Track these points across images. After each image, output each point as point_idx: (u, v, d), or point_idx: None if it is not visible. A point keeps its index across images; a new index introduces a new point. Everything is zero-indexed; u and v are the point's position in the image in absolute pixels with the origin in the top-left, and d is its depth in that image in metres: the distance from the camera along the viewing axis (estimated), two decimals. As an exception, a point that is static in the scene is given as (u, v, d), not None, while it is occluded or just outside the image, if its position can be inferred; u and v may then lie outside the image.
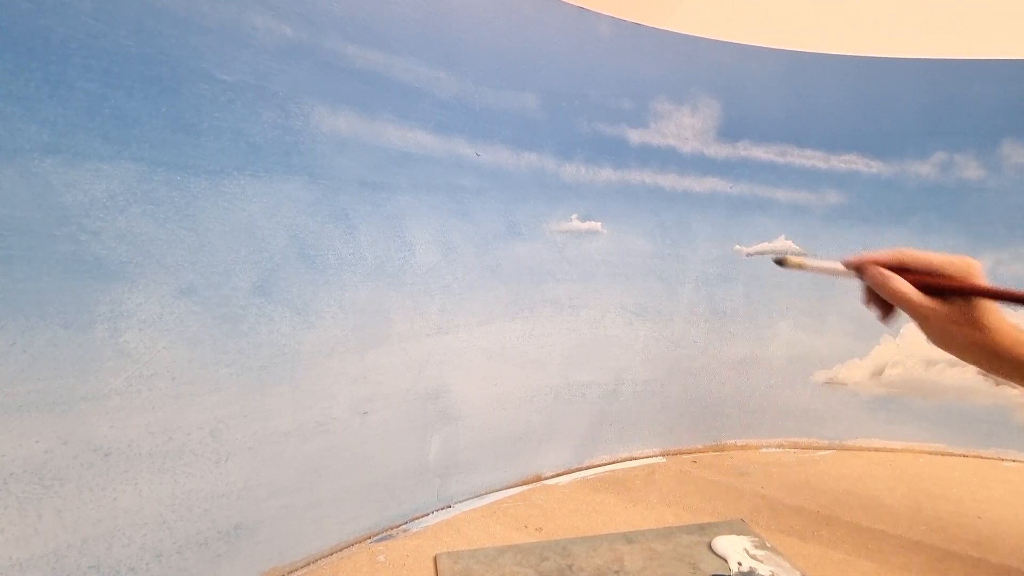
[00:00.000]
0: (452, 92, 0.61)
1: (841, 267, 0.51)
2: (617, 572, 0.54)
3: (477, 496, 0.68)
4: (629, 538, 0.60)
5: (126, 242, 0.39)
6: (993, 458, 0.85)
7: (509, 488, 0.71)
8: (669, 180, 0.83)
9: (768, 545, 0.59)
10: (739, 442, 0.88)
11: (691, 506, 0.69)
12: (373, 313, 0.56)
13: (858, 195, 0.89)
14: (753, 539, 0.60)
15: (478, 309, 0.66)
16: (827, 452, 0.88)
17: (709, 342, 0.86)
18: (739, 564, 0.55)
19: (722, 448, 0.87)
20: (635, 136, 0.79)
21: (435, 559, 0.56)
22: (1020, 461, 0.84)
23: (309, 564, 0.53)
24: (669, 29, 0.79)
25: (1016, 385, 0.46)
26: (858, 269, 0.49)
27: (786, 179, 0.88)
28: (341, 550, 0.56)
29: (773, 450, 0.88)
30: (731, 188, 0.86)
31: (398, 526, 0.61)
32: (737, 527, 0.63)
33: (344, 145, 0.52)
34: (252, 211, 0.46)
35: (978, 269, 0.46)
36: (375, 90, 0.55)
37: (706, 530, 0.62)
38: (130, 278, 0.40)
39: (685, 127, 0.82)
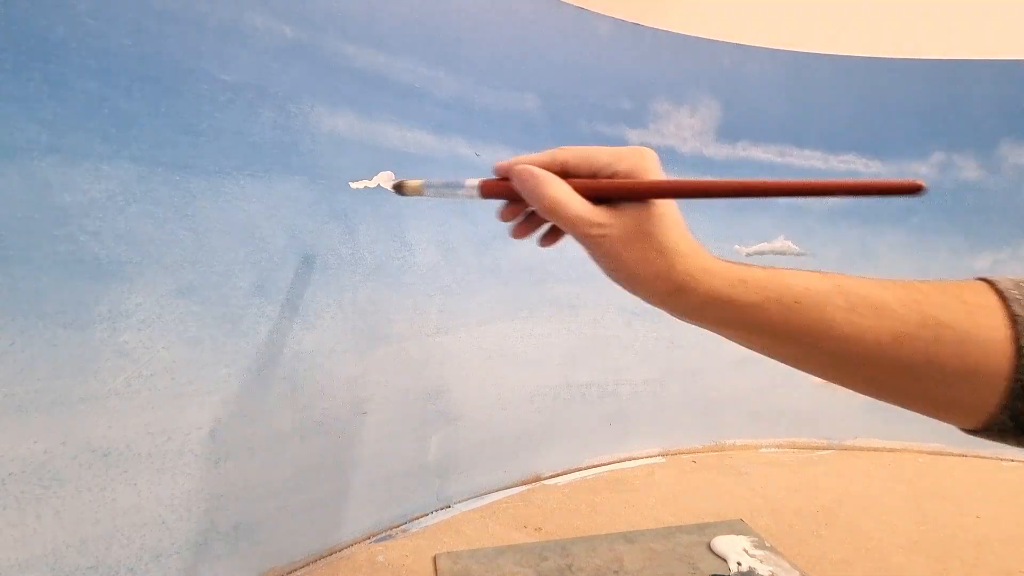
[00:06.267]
0: (452, 92, 0.61)
1: (472, 184, 0.38)
2: (617, 572, 0.54)
3: (476, 496, 0.68)
4: (629, 538, 0.60)
5: (125, 242, 0.39)
6: (992, 458, 0.85)
7: (509, 488, 0.71)
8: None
9: (767, 545, 0.59)
10: (739, 442, 0.88)
11: (691, 506, 0.69)
12: (372, 313, 0.55)
13: (857, 195, 0.89)
14: (752, 539, 0.60)
15: (478, 309, 0.66)
16: (827, 452, 0.88)
17: (709, 342, 0.86)
18: (738, 564, 0.55)
19: (722, 448, 0.87)
20: (634, 136, 0.79)
21: (435, 559, 0.56)
22: (1019, 461, 0.84)
23: (309, 564, 0.53)
24: (668, 29, 0.79)
25: (719, 333, 0.35)
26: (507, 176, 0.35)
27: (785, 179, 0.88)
28: (341, 550, 0.56)
29: (773, 450, 0.88)
30: (730, 188, 0.86)
31: (398, 526, 0.61)
32: (736, 527, 0.63)
33: (344, 145, 0.52)
34: (252, 211, 0.46)
35: (654, 161, 0.33)
36: (375, 90, 0.55)
37: (705, 530, 0.62)
38: (129, 278, 0.39)
39: (684, 127, 0.82)
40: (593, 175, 0.34)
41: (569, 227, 0.33)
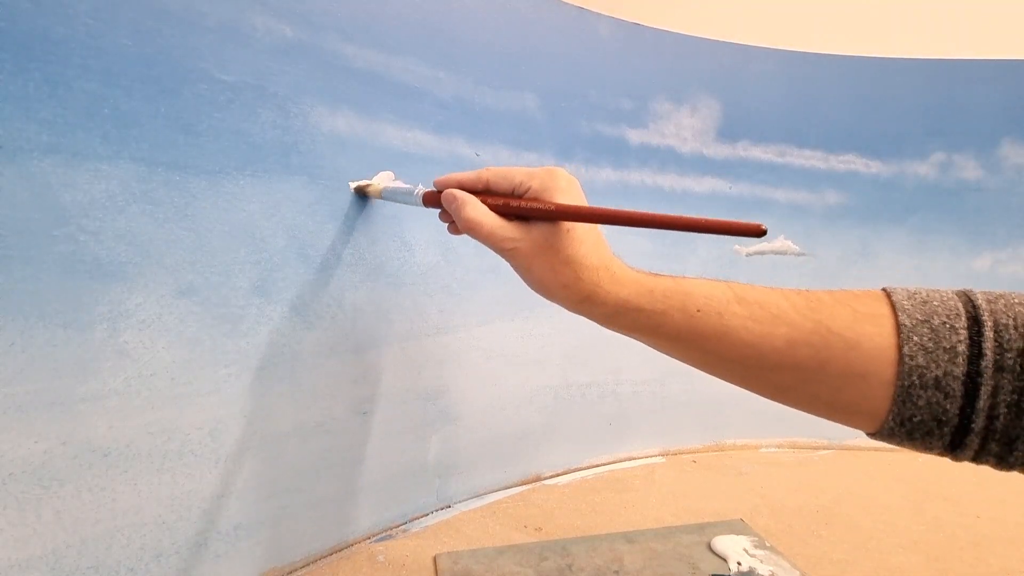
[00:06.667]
0: (452, 92, 0.61)
1: (418, 193, 0.44)
2: (617, 572, 0.54)
3: (477, 496, 0.68)
4: (629, 538, 0.60)
5: (125, 242, 0.39)
6: (992, 458, 0.85)
7: (509, 488, 0.71)
8: (668, 180, 0.83)
9: (767, 545, 0.59)
10: (739, 442, 0.88)
11: (691, 506, 0.69)
12: (372, 313, 0.55)
13: (857, 195, 0.89)
14: (752, 539, 0.60)
15: (477, 309, 0.66)
16: (827, 452, 0.88)
17: (709, 342, 0.86)
18: (738, 564, 0.55)
19: (722, 448, 0.87)
20: (635, 136, 0.79)
21: (435, 559, 0.56)
22: (1019, 461, 0.84)
23: (309, 564, 0.53)
24: (669, 29, 0.79)
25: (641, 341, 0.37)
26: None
27: (785, 179, 0.88)
28: (341, 550, 0.56)
29: (773, 450, 0.88)
30: (730, 188, 0.86)
31: (398, 526, 0.61)
32: (736, 527, 0.63)
33: (343, 145, 0.52)
34: (252, 211, 0.46)
35: (564, 181, 0.36)
36: (375, 90, 0.55)
37: (705, 530, 0.62)
38: (129, 278, 0.39)
39: (684, 127, 0.82)
40: (511, 191, 0.37)
41: (484, 241, 0.37)
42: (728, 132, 0.84)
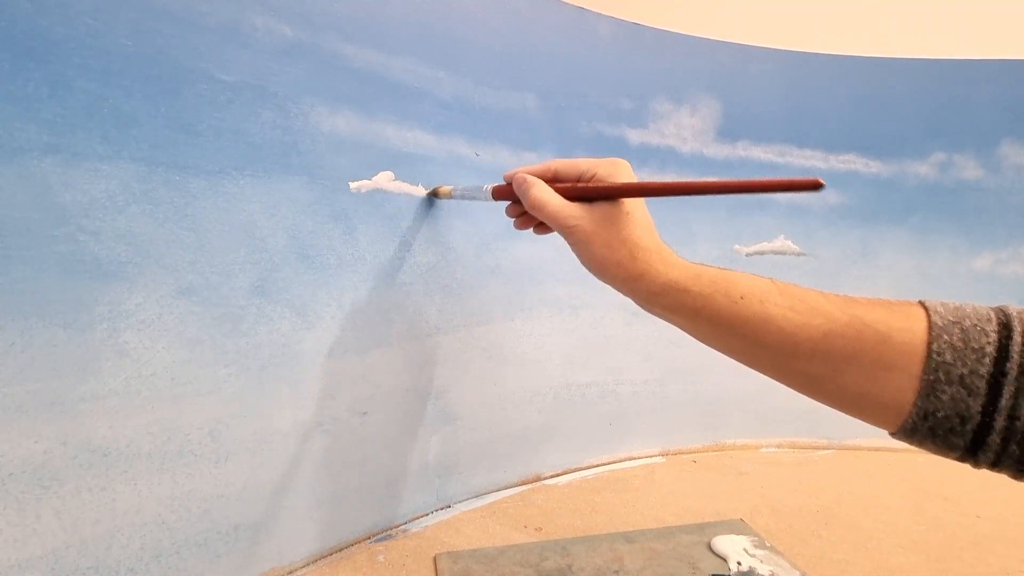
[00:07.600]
0: (452, 92, 0.61)
1: (487, 189, 0.48)
2: (617, 572, 0.54)
3: (477, 496, 0.68)
4: (629, 538, 0.60)
5: (125, 242, 0.39)
6: (992, 458, 0.85)
7: (509, 488, 0.71)
8: (668, 180, 0.83)
9: (767, 544, 0.59)
10: (739, 442, 0.88)
11: (691, 506, 0.69)
12: (372, 313, 0.55)
13: (857, 195, 0.89)
14: (752, 538, 0.60)
15: (477, 309, 0.66)
16: (827, 452, 0.88)
17: (709, 342, 0.86)
18: (738, 564, 0.55)
19: (722, 448, 0.87)
20: (634, 136, 0.79)
21: (435, 559, 0.56)
22: (1019, 461, 0.84)
23: (309, 564, 0.53)
24: (669, 29, 0.79)
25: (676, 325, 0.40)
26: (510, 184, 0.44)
27: (785, 179, 0.88)
28: (341, 550, 0.56)
29: (773, 450, 0.88)
30: (730, 188, 0.86)
31: (398, 526, 0.61)
32: (736, 527, 0.63)
33: (343, 145, 0.52)
34: (252, 211, 0.46)
35: (627, 170, 0.40)
36: (374, 90, 0.55)
37: (705, 530, 0.62)
38: (129, 278, 0.39)
39: (684, 127, 0.82)
40: (577, 179, 0.41)
41: (549, 220, 0.40)
42: (728, 132, 0.84)
